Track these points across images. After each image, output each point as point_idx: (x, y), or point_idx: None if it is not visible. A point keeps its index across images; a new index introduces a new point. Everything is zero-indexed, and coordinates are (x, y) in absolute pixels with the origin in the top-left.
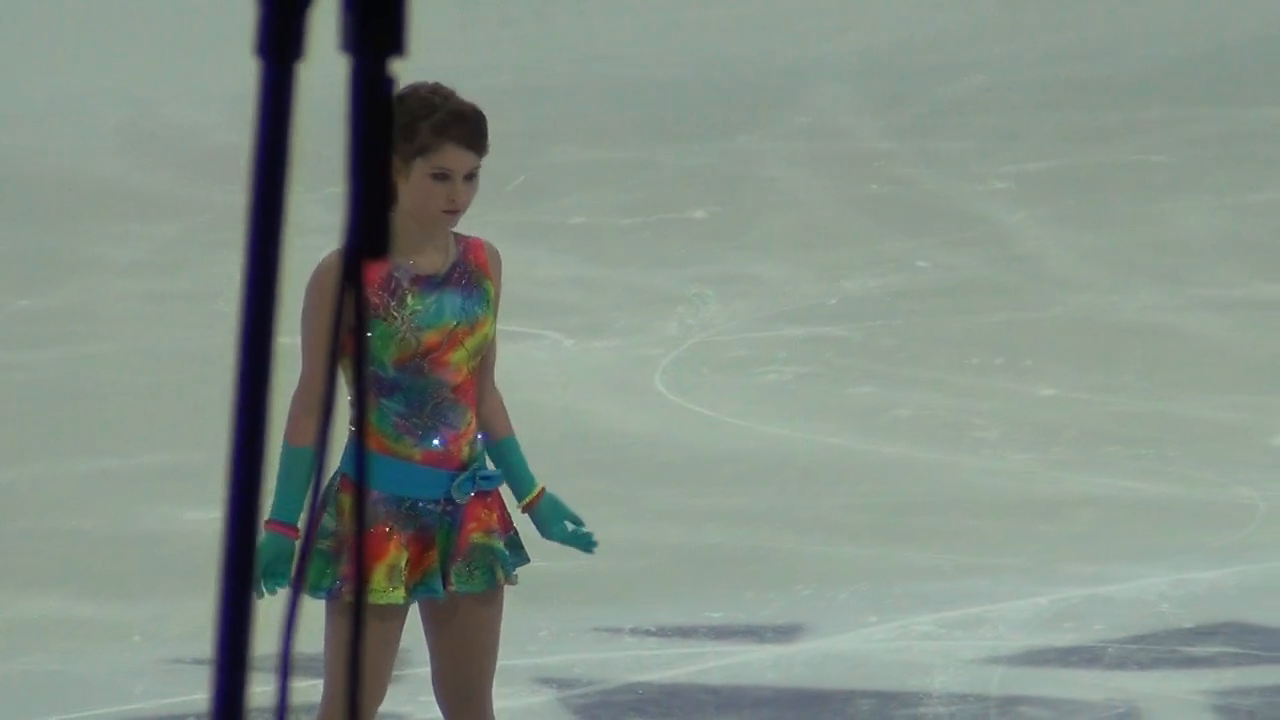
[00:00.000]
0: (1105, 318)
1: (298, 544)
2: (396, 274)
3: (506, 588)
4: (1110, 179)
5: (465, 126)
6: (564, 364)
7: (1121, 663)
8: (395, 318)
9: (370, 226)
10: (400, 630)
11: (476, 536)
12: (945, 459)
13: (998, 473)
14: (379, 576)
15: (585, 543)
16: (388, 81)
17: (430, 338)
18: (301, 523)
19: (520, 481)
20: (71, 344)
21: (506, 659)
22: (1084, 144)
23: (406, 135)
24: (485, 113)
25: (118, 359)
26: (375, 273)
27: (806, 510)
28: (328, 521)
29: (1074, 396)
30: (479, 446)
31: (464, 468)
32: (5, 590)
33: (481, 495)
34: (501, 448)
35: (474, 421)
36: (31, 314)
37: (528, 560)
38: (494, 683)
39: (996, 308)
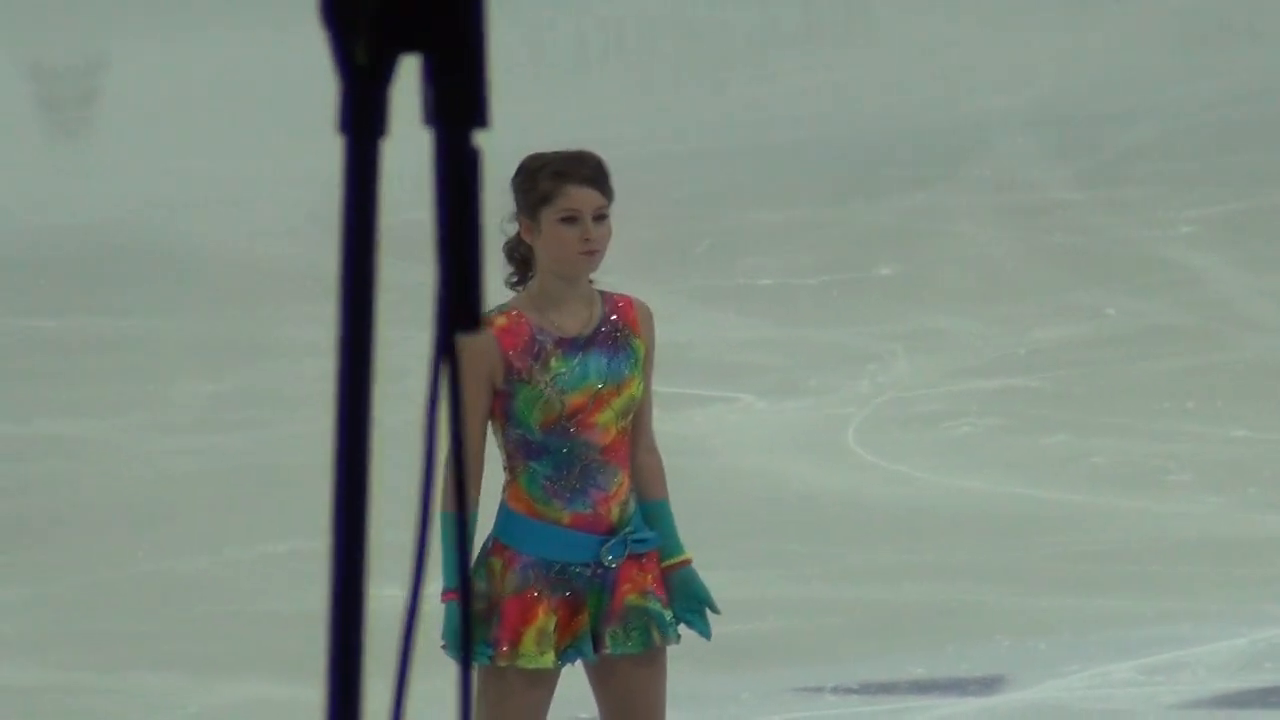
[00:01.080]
0: None
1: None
2: (540, 337)
3: (672, 647)
4: None
5: (584, 167)
6: (757, 426)
7: None
8: (539, 380)
9: (461, 300)
10: (550, 694)
11: (631, 598)
12: (1140, 505)
13: (1193, 516)
14: (528, 641)
15: (702, 628)
16: (473, 153)
17: (575, 400)
18: (473, 585)
19: (666, 545)
20: (259, 428)
21: None
22: (1268, 184)
23: (527, 190)
24: (667, 177)
25: (306, 441)
26: (520, 336)
27: (1003, 561)
28: (478, 583)
29: (1267, 437)
30: (632, 508)
31: (614, 530)
32: (204, 676)
33: (635, 557)
34: (651, 509)
35: (625, 482)
36: (220, 398)
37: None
38: None
39: (1186, 352)
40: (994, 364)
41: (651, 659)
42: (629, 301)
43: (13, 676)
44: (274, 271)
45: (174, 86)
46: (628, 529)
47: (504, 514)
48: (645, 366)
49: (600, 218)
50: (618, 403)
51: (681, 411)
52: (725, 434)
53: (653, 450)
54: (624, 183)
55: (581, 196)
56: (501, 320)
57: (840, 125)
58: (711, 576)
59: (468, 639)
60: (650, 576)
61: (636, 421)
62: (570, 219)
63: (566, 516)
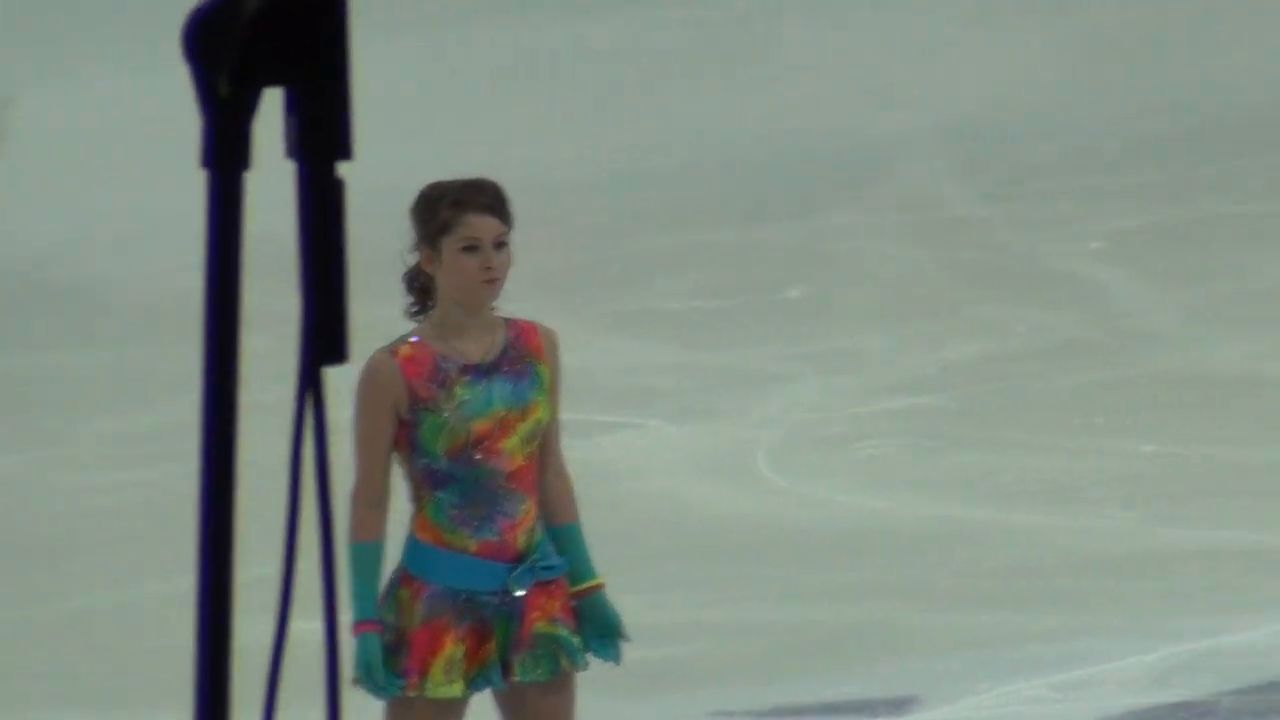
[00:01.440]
0: (1206, 371)
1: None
2: (445, 365)
3: (581, 673)
4: (1204, 232)
5: (483, 195)
6: (665, 451)
7: (1235, 715)
8: (444, 408)
9: (327, 332)
10: None
11: (540, 626)
12: (1049, 521)
13: (1102, 532)
14: (436, 671)
15: (611, 654)
16: (336, 185)
17: (480, 426)
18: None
19: (577, 570)
20: (174, 461)
21: None
22: (1175, 199)
23: (428, 219)
24: (573, 203)
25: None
26: (424, 365)
27: (913, 581)
28: (387, 615)
29: (1177, 451)
30: (539, 535)
31: (521, 558)
32: (119, 712)
33: (544, 584)
34: (562, 534)
35: (532, 510)
36: (133, 433)
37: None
38: None
39: (1095, 367)
40: (903, 383)
41: (560, 686)
42: (532, 327)
43: None
44: (187, 305)
45: (82, 122)
46: (535, 556)
47: (411, 544)
48: (551, 391)
49: (500, 245)
50: (523, 428)
51: (590, 437)
52: (634, 459)
53: (562, 474)
54: (531, 209)
55: (482, 225)
56: (405, 349)
57: (744, 147)
58: (622, 601)
59: (334, 677)
60: (558, 603)
61: (544, 446)
62: (471, 248)
63: (473, 545)
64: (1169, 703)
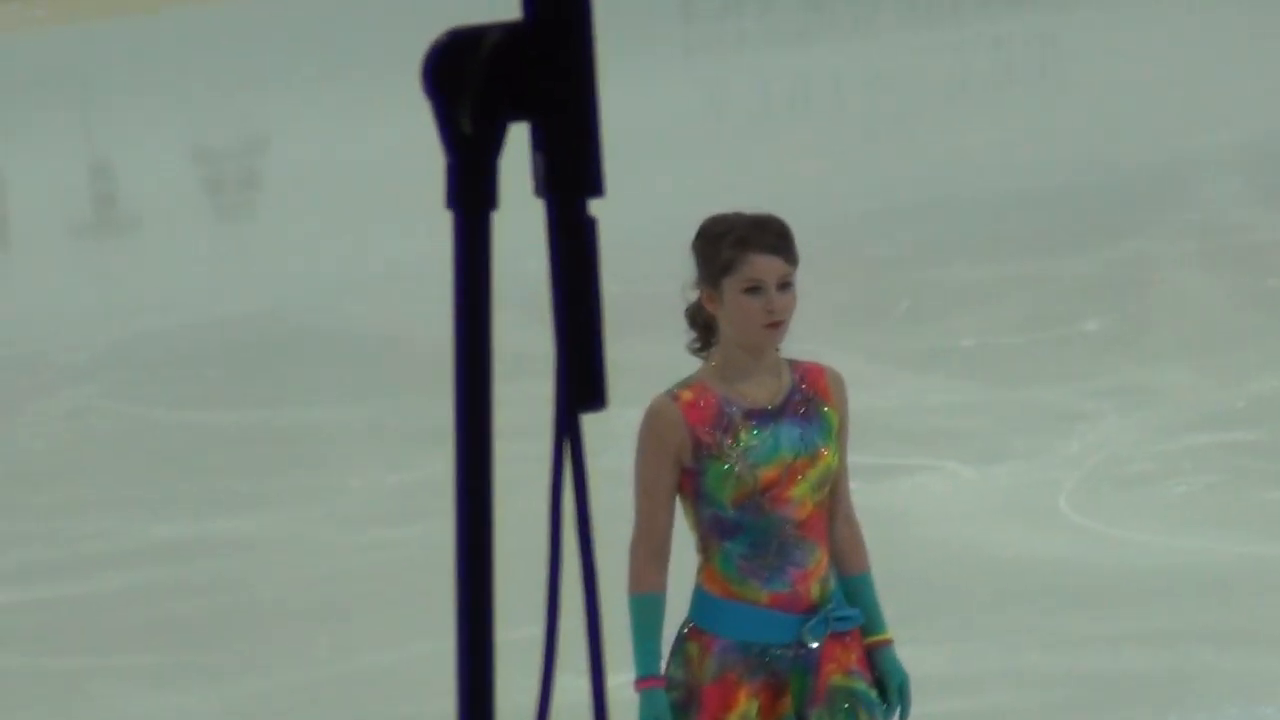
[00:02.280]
0: None
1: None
2: (729, 410)
3: None
4: None
5: (768, 234)
6: (962, 494)
7: None
8: (729, 455)
9: (583, 377)
10: None
11: (836, 679)
12: None
13: None
14: None
15: (898, 713)
16: (588, 223)
17: (767, 474)
18: (663, 669)
19: (868, 622)
20: (446, 517)
21: None
22: None
23: (710, 258)
24: (860, 237)
25: (497, 528)
26: (708, 410)
27: (1226, 624)
28: (675, 671)
29: None
30: (831, 584)
31: (815, 609)
32: None
33: (838, 635)
34: (854, 584)
35: (824, 559)
36: (404, 487)
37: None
38: None
39: None
40: (1209, 418)
41: None
42: (819, 369)
43: None
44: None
45: (340, 167)
46: (829, 606)
47: (699, 596)
48: (839, 436)
49: (785, 286)
50: (813, 474)
51: (885, 481)
52: (932, 503)
53: (851, 520)
54: (817, 244)
55: (765, 265)
56: (687, 395)
57: (1037, 174)
58: (924, 651)
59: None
60: (854, 655)
61: (833, 493)
62: (754, 289)
63: (765, 596)
64: None
